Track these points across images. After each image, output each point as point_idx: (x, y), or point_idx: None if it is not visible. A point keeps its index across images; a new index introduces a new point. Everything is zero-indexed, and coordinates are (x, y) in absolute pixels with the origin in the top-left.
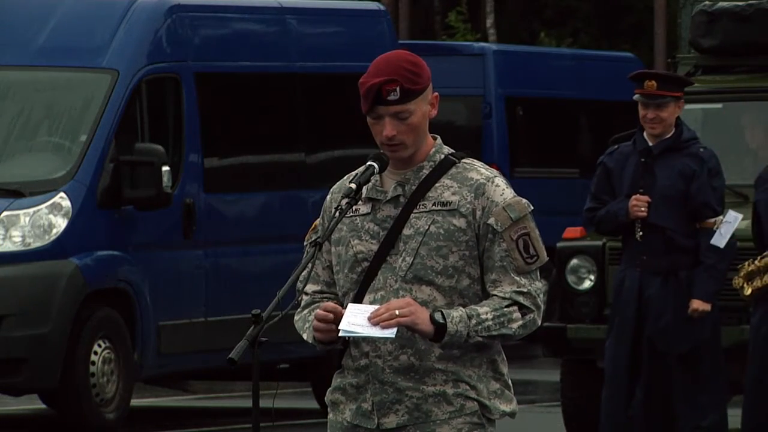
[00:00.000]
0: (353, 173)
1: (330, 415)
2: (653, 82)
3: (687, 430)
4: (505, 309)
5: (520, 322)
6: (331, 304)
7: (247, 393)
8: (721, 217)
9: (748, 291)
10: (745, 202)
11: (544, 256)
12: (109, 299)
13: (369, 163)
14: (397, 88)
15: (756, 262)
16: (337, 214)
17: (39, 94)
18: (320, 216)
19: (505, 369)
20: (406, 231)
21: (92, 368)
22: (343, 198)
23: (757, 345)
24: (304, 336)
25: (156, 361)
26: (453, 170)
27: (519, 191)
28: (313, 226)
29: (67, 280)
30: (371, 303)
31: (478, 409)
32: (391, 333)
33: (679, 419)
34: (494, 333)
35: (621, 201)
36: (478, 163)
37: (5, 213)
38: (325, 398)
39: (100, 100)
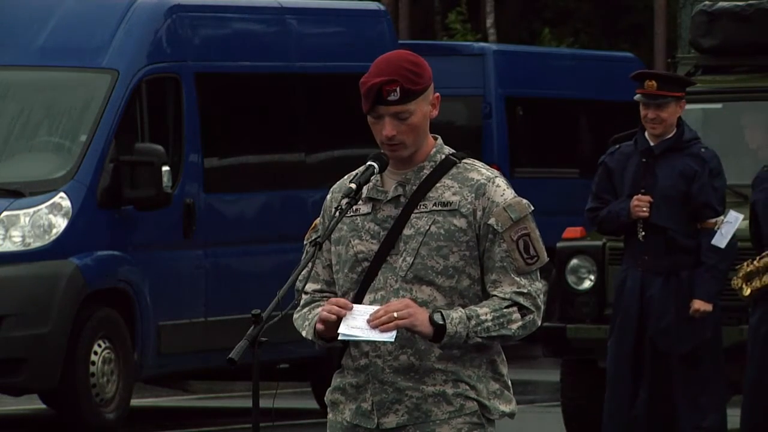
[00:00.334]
0: (353, 173)
1: (330, 415)
2: (654, 82)
3: (687, 430)
4: (505, 310)
5: (520, 323)
6: (342, 300)
7: (247, 393)
8: (722, 217)
9: (747, 291)
10: (744, 202)
11: (545, 257)
12: (109, 299)
13: (369, 163)
14: (398, 89)
15: (755, 262)
16: (338, 213)
17: (39, 94)
18: (320, 215)
19: (504, 369)
20: (407, 231)
21: (92, 368)
22: (343, 198)
23: (756, 345)
24: (304, 333)
25: (156, 361)
26: (454, 170)
27: (519, 191)
28: (313, 225)
29: (67, 280)
30: (371, 303)
31: (478, 409)
32: (390, 337)
33: (680, 419)
34: (494, 334)
35: (622, 201)
36: (478, 164)
37: (5, 213)
38: (325, 398)
39: (100, 100)
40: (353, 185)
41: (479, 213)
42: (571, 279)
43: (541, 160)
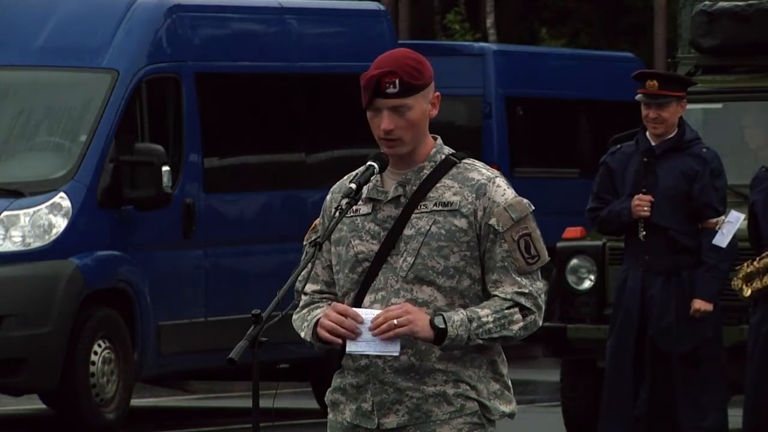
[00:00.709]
0: (353, 173)
1: (330, 415)
2: (655, 81)
3: (688, 430)
4: (506, 311)
5: (521, 324)
6: (341, 307)
7: (247, 393)
8: (723, 217)
9: (747, 292)
10: (744, 202)
11: (546, 257)
12: (109, 299)
13: (369, 163)
14: (396, 81)
15: (755, 263)
16: (337, 214)
17: (39, 94)
18: (320, 216)
19: (504, 370)
20: (407, 231)
21: (92, 368)
22: (343, 198)
23: (756, 346)
24: (302, 334)
25: (156, 361)
26: (454, 170)
27: (519, 191)
28: (312, 225)
29: (67, 280)
30: (372, 303)
31: (479, 410)
32: (395, 350)
33: (681, 419)
34: (495, 335)
35: (623, 201)
36: (478, 164)
37: (5, 213)
38: (325, 398)
39: (100, 100)
40: (353, 185)
41: (480, 213)
42: (571, 279)
43: (541, 160)
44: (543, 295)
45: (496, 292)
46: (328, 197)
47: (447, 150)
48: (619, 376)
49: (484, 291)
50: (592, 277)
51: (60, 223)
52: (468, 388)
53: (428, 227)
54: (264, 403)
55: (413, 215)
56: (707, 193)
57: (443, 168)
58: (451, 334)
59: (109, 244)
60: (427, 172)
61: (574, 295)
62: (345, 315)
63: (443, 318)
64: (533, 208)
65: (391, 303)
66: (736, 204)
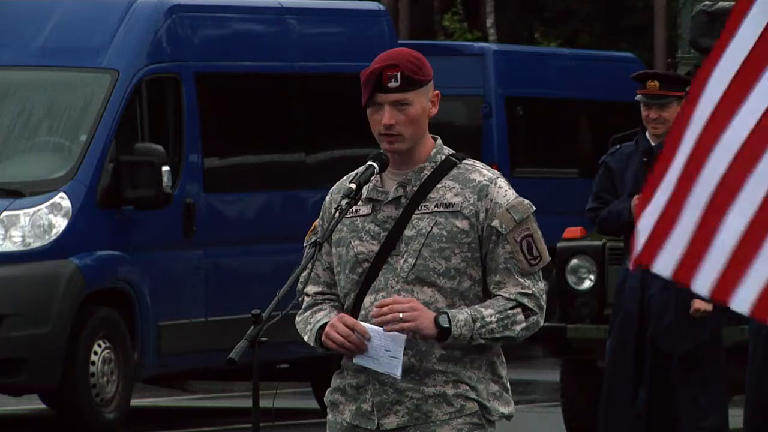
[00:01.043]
0: (353, 173)
1: (329, 416)
2: (656, 82)
3: (688, 430)
4: (509, 311)
5: (524, 325)
6: (350, 321)
7: (247, 393)
8: None
9: None
10: None
11: (547, 257)
12: (109, 299)
13: (369, 163)
14: (398, 74)
15: None
16: (337, 214)
17: (39, 94)
18: (320, 216)
19: (503, 371)
20: (408, 232)
21: (92, 368)
22: (343, 198)
23: (757, 346)
24: (306, 338)
25: (156, 361)
26: (454, 171)
27: (519, 191)
28: (312, 226)
29: (67, 280)
30: (372, 304)
31: (478, 410)
32: (398, 374)
33: (681, 419)
34: (497, 335)
35: (623, 201)
36: (479, 164)
37: (5, 213)
38: (324, 399)
39: (100, 100)
40: (353, 185)
41: (482, 215)
42: (571, 279)
43: (541, 160)
44: (545, 296)
45: (499, 293)
46: (328, 198)
47: (447, 150)
48: (619, 376)
49: (484, 292)
50: (592, 277)
51: (60, 223)
52: (468, 388)
53: (429, 228)
54: (264, 403)
55: (414, 216)
56: None
57: (444, 168)
58: (455, 333)
59: (109, 244)
60: (427, 172)
61: (574, 295)
62: (353, 329)
63: (448, 317)
64: (534, 208)
65: None
66: None
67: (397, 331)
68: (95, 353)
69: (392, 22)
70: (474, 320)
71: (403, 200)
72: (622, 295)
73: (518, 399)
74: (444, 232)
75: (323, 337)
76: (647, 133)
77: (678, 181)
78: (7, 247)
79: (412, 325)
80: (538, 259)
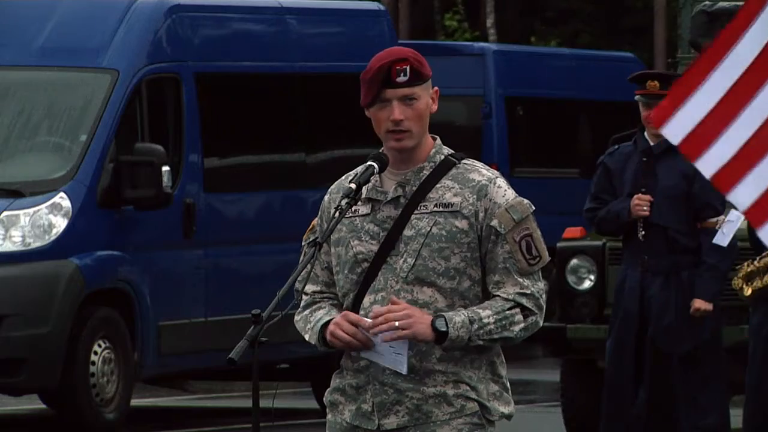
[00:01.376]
0: (352, 173)
1: (329, 416)
2: (656, 82)
3: (687, 430)
4: (507, 312)
5: (522, 325)
6: (354, 317)
7: (247, 393)
8: (722, 216)
9: (747, 292)
10: None
11: (546, 257)
12: (109, 299)
13: (369, 163)
14: (407, 68)
15: (755, 262)
16: (337, 214)
17: (39, 94)
18: (318, 216)
19: (503, 371)
20: (407, 232)
21: (92, 368)
22: (342, 198)
23: (757, 346)
24: (307, 337)
25: (156, 361)
26: (453, 171)
27: (519, 191)
28: (311, 226)
29: (67, 280)
30: (372, 304)
31: (479, 410)
32: (403, 369)
33: (680, 419)
34: (496, 336)
35: (622, 201)
36: (478, 164)
37: (5, 213)
38: (324, 399)
39: (100, 100)
40: (353, 185)
41: (481, 214)
42: (571, 279)
43: (541, 160)
44: (544, 296)
45: (498, 293)
46: (326, 197)
47: (446, 150)
48: (619, 377)
49: (484, 292)
50: (592, 277)
51: (60, 223)
52: (468, 388)
53: (429, 228)
54: (264, 403)
55: (413, 216)
56: (707, 193)
57: (443, 168)
58: (452, 336)
59: (109, 244)
60: (426, 172)
61: (574, 295)
62: (357, 326)
63: (444, 320)
64: (534, 208)
65: None
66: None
67: (394, 338)
68: (95, 353)
69: (392, 22)
70: (471, 322)
71: (402, 200)
72: (622, 295)
73: (518, 399)
74: (443, 232)
75: (329, 336)
76: (646, 133)
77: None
78: (7, 247)
79: (408, 332)
80: (538, 258)
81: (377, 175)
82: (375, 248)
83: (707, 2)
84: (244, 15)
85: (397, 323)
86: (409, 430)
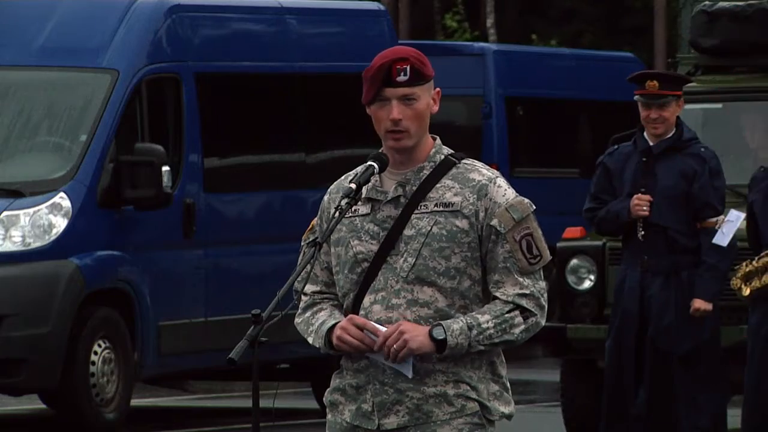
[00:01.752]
0: (351, 173)
1: (329, 416)
2: (655, 82)
3: (687, 430)
4: (507, 315)
5: (522, 327)
6: (360, 321)
7: (247, 393)
8: (722, 216)
9: (746, 292)
10: (744, 202)
11: (547, 256)
12: (109, 299)
13: (369, 163)
14: (408, 68)
15: (754, 262)
16: (337, 214)
17: (39, 94)
18: (318, 216)
19: (503, 371)
20: (407, 231)
21: (92, 368)
22: (342, 198)
23: (756, 346)
24: (310, 340)
25: (156, 361)
26: (454, 171)
27: (519, 191)
28: (310, 226)
29: (67, 280)
30: (372, 304)
31: (479, 410)
32: (408, 372)
33: (680, 419)
34: (496, 340)
35: (622, 200)
36: (478, 164)
37: (5, 213)
38: (324, 399)
39: (100, 100)
40: (353, 185)
41: (481, 214)
42: (571, 279)
43: (541, 160)
44: (545, 295)
45: (497, 293)
46: (326, 197)
47: (446, 150)
48: (619, 377)
49: (484, 292)
50: (592, 277)
51: (60, 223)
52: (468, 388)
53: (429, 228)
54: (264, 403)
55: (413, 215)
56: (706, 193)
57: (443, 168)
58: (451, 344)
59: (109, 244)
60: (426, 172)
61: (574, 295)
62: (363, 329)
63: (443, 328)
64: (534, 207)
65: (392, 303)
66: (736, 204)
67: (395, 361)
68: (95, 353)
69: (392, 22)
70: (470, 328)
71: (402, 200)
72: (622, 295)
73: (518, 399)
74: (444, 232)
75: (336, 341)
76: (645, 133)
77: None
78: (7, 247)
79: (405, 351)
80: (538, 258)
81: (377, 175)
82: (375, 248)
83: (707, 2)
84: (244, 15)
85: (394, 347)
86: (410, 430)
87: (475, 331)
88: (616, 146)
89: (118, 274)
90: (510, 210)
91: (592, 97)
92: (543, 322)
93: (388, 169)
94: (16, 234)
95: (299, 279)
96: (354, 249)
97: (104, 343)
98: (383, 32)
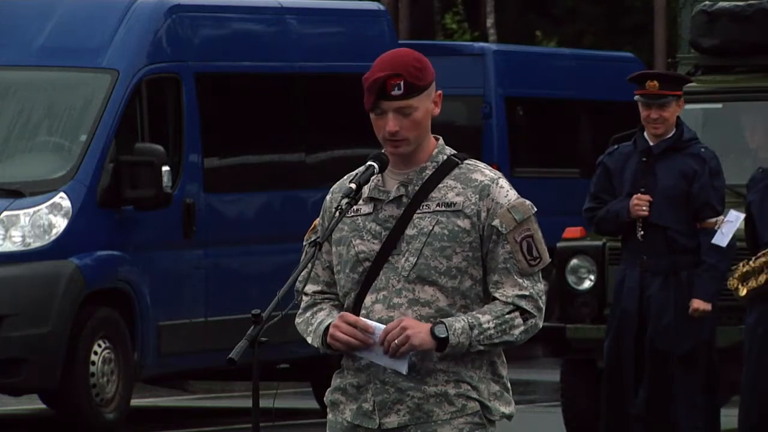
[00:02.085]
0: (353, 173)
1: (329, 416)
2: (655, 82)
3: (686, 429)
4: (507, 316)
5: (522, 328)
6: (351, 318)
7: (247, 393)
8: (722, 216)
9: (743, 292)
10: (744, 203)
11: (547, 258)
12: (109, 299)
13: (369, 162)
14: (401, 83)
15: (751, 262)
16: (338, 214)
17: (39, 94)
18: (320, 216)
19: (504, 371)
20: (409, 231)
21: (92, 368)
22: (343, 198)
23: (753, 346)
24: (309, 340)
25: (156, 361)
26: (456, 171)
27: (519, 191)
28: (312, 226)
29: (67, 280)
30: (373, 303)
31: (480, 410)
32: (403, 369)
33: (679, 419)
34: (496, 341)
35: (621, 200)
36: (481, 164)
37: (5, 213)
38: (325, 398)
39: (100, 100)
40: (353, 185)
41: (483, 214)
42: (571, 279)
43: (541, 160)
44: (544, 297)
45: (497, 294)
46: (328, 197)
47: (449, 150)
48: (618, 377)
49: (485, 292)
50: (592, 277)
51: (60, 223)
52: (469, 388)
53: (431, 227)
54: (264, 403)
55: (415, 215)
56: (706, 193)
57: (445, 168)
58: (453, 342)
59: (109, 244)
60: (429, 172)
61: (574, 295)
62: (355, 326)
63: (445, 327)
64: (535, 209)
65: (393, 303)
66: (735, 204)
67: (397, 356)
68: (95, 353)
69: (392, 22)
70: (471, 327)
71: (404, 199)
72: (621, 294)
73: (518, 399)
74: (446, 231)
75: (329, 339)
76: (645, 133)
77: None
78: (7, 247)
79: (407, 346)
80: (538, 259)
81: (379, 175)
82: (377, 247)
83: (707, 2)
84: (244, 15)
85: (395, 342)
86: (410, 429)
87: (476, 331)
88: (616, 146)
89: (118, 274)
90: (512, 211)
91: (592, 97)
92: (541, 324)
93: (391, 168)
94: (16, 234)
95: (300, 279)
96: (356, 248)
97: (104, 343)
98: (383, 32)
